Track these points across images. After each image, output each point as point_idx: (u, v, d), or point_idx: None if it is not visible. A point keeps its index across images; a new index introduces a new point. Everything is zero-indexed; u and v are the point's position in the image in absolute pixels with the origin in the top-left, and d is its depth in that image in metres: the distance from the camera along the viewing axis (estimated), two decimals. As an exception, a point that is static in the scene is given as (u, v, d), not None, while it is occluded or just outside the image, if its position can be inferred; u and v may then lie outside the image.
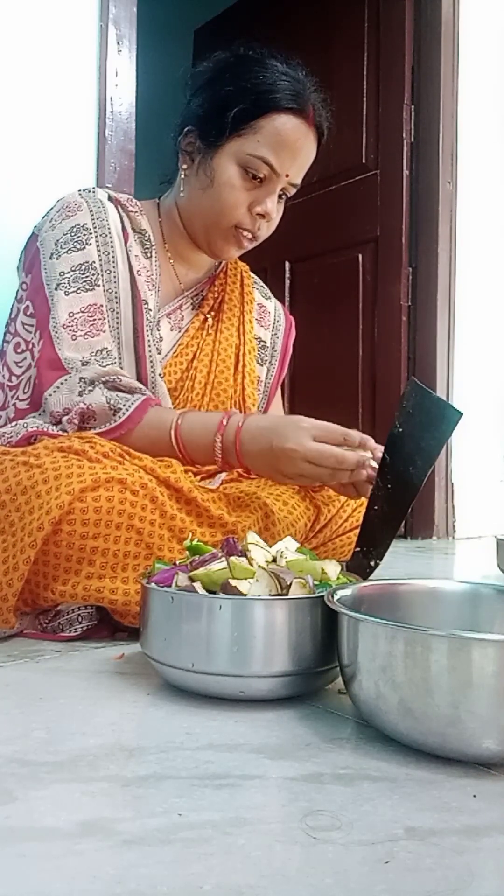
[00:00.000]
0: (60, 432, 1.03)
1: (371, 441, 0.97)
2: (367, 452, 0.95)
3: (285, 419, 0.98)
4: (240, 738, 0.61)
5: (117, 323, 1.11)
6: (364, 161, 2.41)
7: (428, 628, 0.58)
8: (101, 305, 1.09)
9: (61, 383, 1.04)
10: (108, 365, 1.06)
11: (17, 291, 1.19)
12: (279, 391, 1.43)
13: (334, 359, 2.44)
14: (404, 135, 2.32)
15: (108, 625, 0.93)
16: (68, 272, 1.09)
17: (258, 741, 0.61)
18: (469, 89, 2.36)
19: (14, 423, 1.07)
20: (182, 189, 1.19)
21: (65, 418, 1.03)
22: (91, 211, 1.13)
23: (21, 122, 1.56)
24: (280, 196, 1.17)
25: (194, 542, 0.81)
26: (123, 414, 1.01)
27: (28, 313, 1.13)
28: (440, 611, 0.76)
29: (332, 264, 2.52)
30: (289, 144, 1.11)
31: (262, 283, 1.42)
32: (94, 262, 1.10)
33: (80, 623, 0.92)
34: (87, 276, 1.09)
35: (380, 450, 0.94)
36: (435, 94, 2.29)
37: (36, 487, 0.88)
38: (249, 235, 1.17)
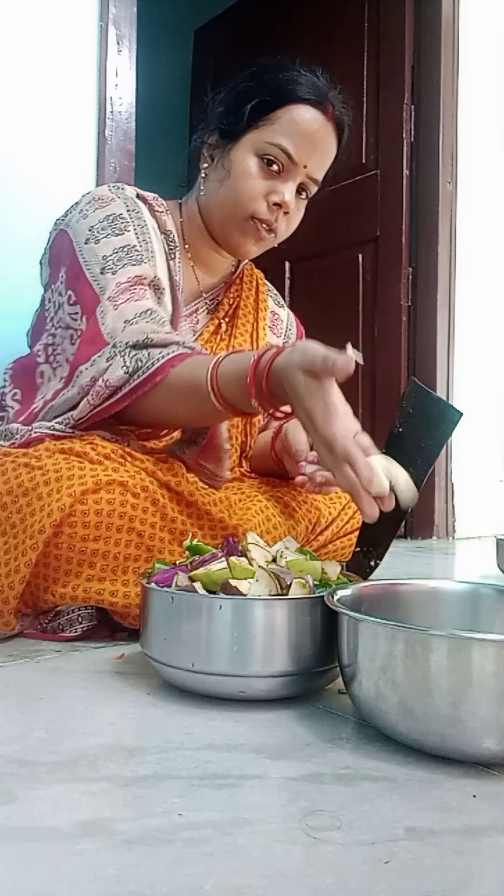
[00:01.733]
0: (63, 433, 1.00)
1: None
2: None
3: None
4: (240, 738, 0.61)
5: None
6: (364, 161, 2.41)
7: (428, 628, 0.58)
8: (145, 278, 1.06)
9: (98, 356, 0.98)
10: (150, 321, 1.00)
11: (48, 290, 1.13)
12: None
13: (334, 359, 2.44)
14: (404, 135, 2.32)
15: (108, 625, 0.93)
16: (111, 254, 1.05)
17: (258, 741, 0.61)
18: (469, 89, 2.36)
19: (19, 429, 1.03)
20: (202, 187, 1.18)
21: (92, 390, 0.97)
22: (125, 203, 1.11)
23: (21, 121, 1.57)
24: (300, 193, 1.15)
25: (194, 542, 0.81)
26: (144, 372, 0.95)
27: (72, 302, 1.07)
28: (440, 611, 0.76)
29: (332, 264, 2.52)
30: (307, 134, 1.10)
31: (275, 291, 1.40)
32: (135, 245, 1.07)
33: (81, 623, 0.92)
34: (131, 256, 1.06)
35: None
36: (435, 94, 2.29)
37: (37, 489, 0.88)
38: (267, 227, 1.14)
